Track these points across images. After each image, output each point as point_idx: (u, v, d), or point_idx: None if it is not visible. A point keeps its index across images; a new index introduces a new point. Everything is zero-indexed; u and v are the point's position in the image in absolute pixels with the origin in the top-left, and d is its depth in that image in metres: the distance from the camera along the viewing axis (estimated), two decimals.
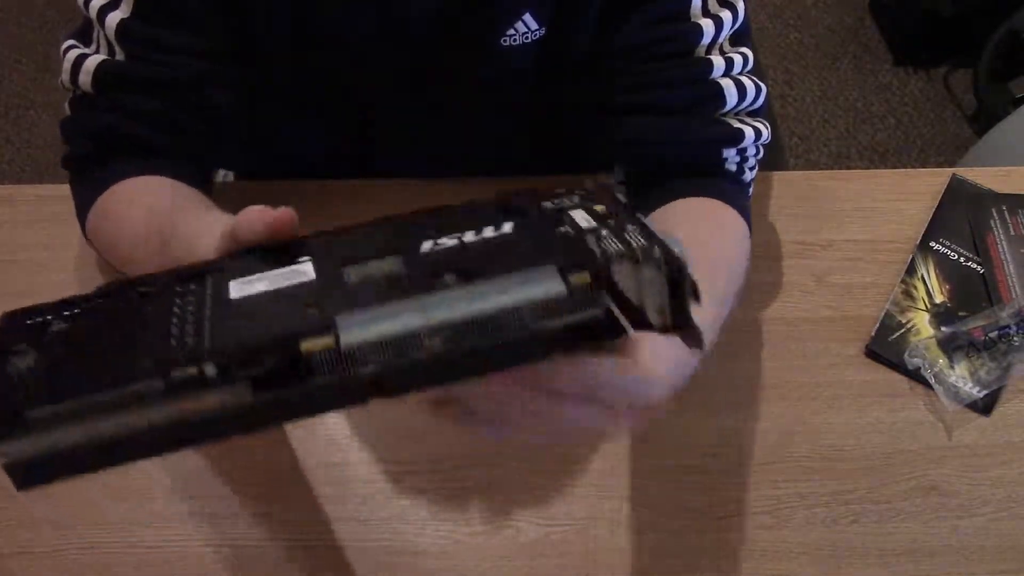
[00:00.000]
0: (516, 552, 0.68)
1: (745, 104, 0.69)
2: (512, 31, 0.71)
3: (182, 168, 0.67)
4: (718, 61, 0.68)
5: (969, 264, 0.82)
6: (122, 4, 0.64)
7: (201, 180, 0.69)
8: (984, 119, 1.89)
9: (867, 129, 1.95)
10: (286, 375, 0.33)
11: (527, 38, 0.71)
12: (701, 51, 0.68)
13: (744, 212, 0.69)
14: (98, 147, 0.67)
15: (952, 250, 0.83)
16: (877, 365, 0.77)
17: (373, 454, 0.71)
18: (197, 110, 0.67)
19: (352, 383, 0.33)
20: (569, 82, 0.77)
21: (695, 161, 0.70)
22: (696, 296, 0.35)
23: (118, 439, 0.32)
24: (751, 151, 0.71)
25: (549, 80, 0.77)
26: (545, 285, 0.34)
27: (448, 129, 0.82)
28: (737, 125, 0.69)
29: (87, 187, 0.68)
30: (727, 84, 0.68)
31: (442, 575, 0.67)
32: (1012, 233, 0.84)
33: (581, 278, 0.34)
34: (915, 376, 0.76)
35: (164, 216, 0.60)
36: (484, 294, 0.34)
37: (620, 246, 0.35)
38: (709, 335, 0.52)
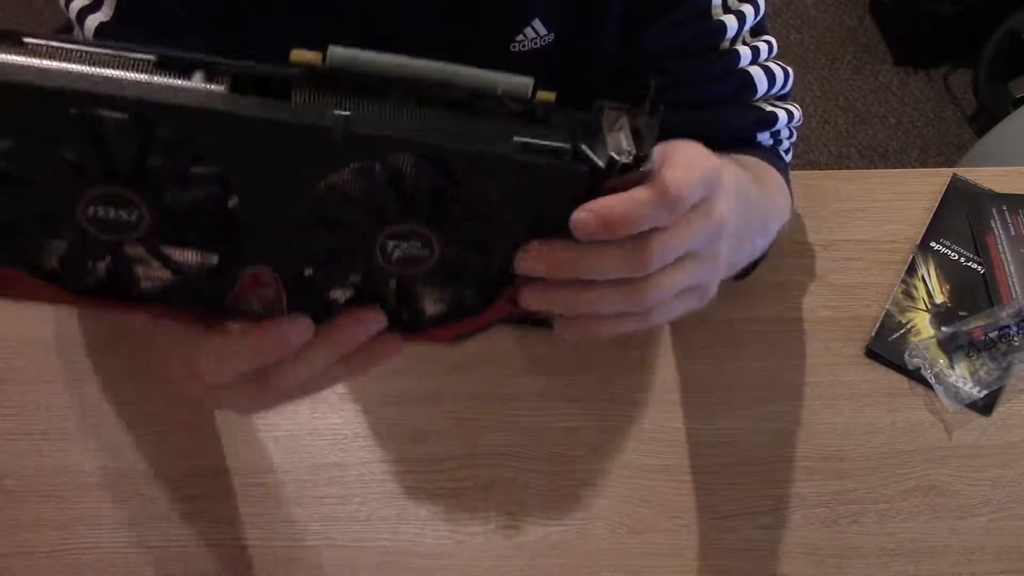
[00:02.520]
0: (516, 552, 0.68)
1: (776, 89, 0.70)
2: (521, 36, 0.70)
3: None
4: (744, 51, 0.69)
5: (969, 264, 0.82)
6: (103, 7, 0.63)
7: None
8: (984, 119, 1.89)
9: (867, 129, 1.95)
10: (268, 82, 0.35)
11: (536, 44, 0.71)
12: (726, 44, 0.69)
13: (786, 183, 0.69)
14: None
15: (952, 250, 0.83)
16: (877, 365, 0.77)
17: (373, 454, 0.71)
18: None
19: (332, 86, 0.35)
20: (590, 88, 0.76)
21: (730, 144, 0.70)
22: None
23: (86, 78, 0.33)
24: (784, 133, 0.72)
25: (565, 86, 0.77)
26: (515, 80, 0.37)
27: None
28: (770, 109, 0.70)
29: None
30: (756, 72, 0.69)
31: (442, 575, 0.67)
32: (1012, 233, 0.84)
33: (547, 95, 0.37)
34: (915, 376, 0.76)
35: None
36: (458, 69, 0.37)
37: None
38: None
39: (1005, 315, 0.79)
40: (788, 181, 0.70)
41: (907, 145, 1.93)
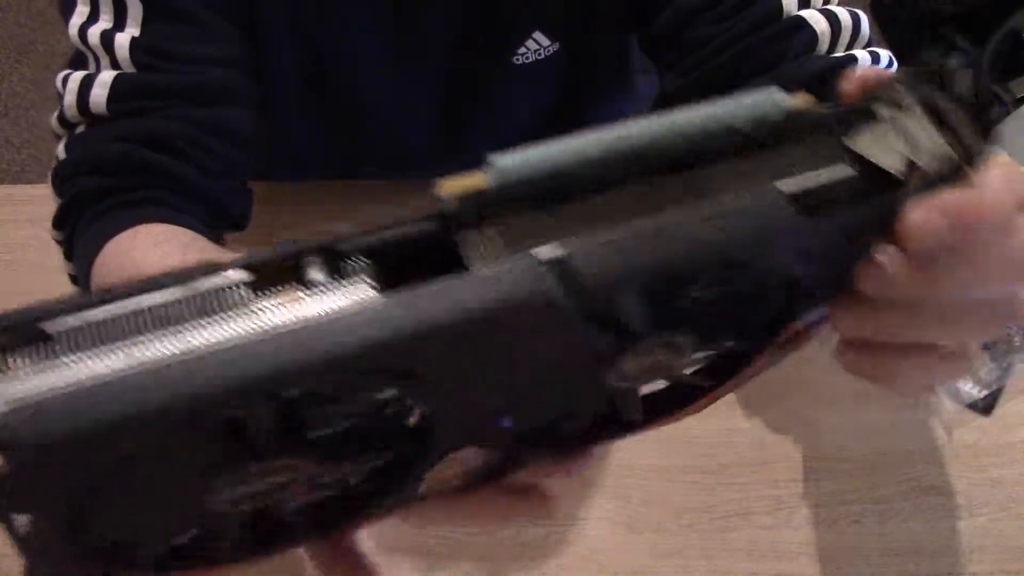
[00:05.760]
0: (516, 552, 0.68)
1: (844, 37, 0.59)
2: (523, 49, 0.70)
3: (196, 216, 0.59)
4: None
5: None
6: (128, 24, 0.60)
7: (206, 234, 0.57)
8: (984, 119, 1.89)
9: None
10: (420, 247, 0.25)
11: (540, 55, 0.71)
12: None
13: None
14: (107, 182, 0.58)
15: None
16: None
17: None
18: (220, 129, 0.61)
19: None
20: (601, 92, 0.76)
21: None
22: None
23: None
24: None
25: (575, 94, 0.77)
26: (758, 101, 0.27)
27: (468, 147, 0.81)
28: (845, 53, 0.59)
29: (105, 222, 0.56)
30: (810, 15, 0.59)
31: (442, 575, 0.67)
32: None
33: (804, 98, 0.28)
34: None
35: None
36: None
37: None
38: None
39: None
40: None
41: None
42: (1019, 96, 1.82)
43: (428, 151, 0.81)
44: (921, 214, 0.27)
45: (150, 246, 0.53)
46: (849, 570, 0.69)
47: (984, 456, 0.74)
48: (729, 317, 0.30)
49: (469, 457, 0.28)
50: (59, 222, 0.60)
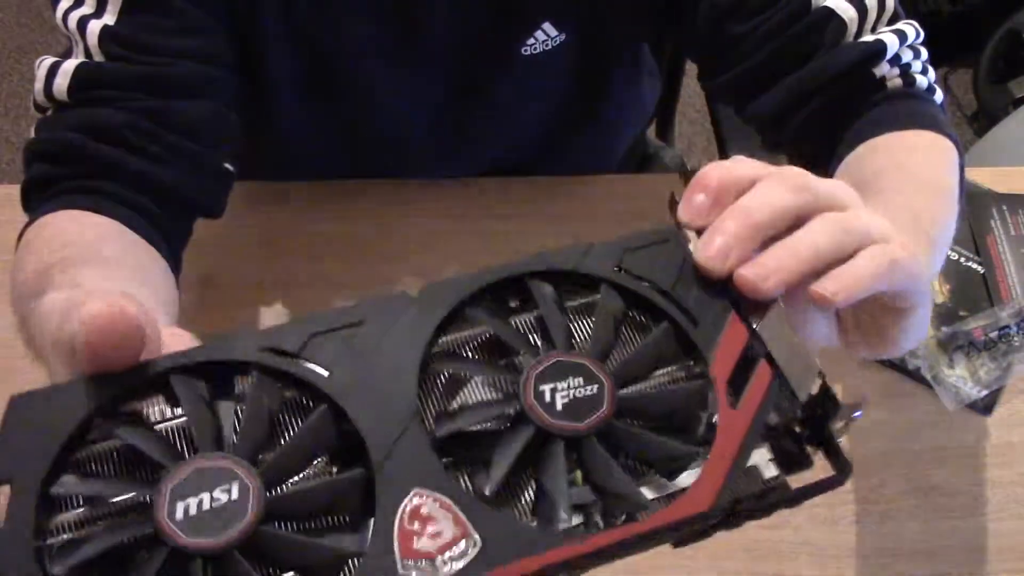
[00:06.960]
0: None
1: (871, 17, 0.63)
2: (532, 40, 0.70)
3: (139, 205, 0.59)
4: None
5: (969, 264, 0.82)
6: (107, 12, 0.61)
7: (158, 222, 0.60)
8: (984, 119, 1.89)
9: None
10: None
11: (548, 45, 0.71)
12: None
13: (934, 124, 0.61)
14: (55, 171, 0.60)
15: (952, 250, 0.83)
16: (877, 365, 0.77)
17: None
18: (174, 121, 0.61)
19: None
20: (609, 84, 0.75)
21: (852, 96, 0.63)
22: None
23: None
24: (906, 56, 0.63)
25: (583, 85, 0.77)
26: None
27: (475, 141, 0.81)
28: (874, 38, 0.62)
29: (47, 207, 0.58)
30: (837, 4, 0.62)
31: None
32: (1012, 233, 0.84)
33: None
34: (915, 376, 0.76)
35: (55, 263, 0.52)
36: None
37: None
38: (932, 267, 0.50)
39: (1005, 315, 0.79)
40: (935, 115, 0.62)
41: None
42: (1019, 96, 1.82)
43: (431, 151, 0.81)
44: (685, 202, 0.37)
45: (37, 241, 0.56)
46: (849, 570, 0.69)
47: (984, 456, 0.74)
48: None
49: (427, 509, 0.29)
50: (23, 205, 0.62)
